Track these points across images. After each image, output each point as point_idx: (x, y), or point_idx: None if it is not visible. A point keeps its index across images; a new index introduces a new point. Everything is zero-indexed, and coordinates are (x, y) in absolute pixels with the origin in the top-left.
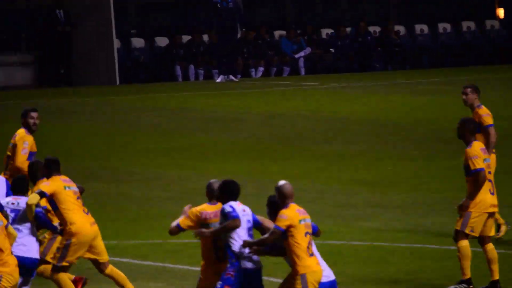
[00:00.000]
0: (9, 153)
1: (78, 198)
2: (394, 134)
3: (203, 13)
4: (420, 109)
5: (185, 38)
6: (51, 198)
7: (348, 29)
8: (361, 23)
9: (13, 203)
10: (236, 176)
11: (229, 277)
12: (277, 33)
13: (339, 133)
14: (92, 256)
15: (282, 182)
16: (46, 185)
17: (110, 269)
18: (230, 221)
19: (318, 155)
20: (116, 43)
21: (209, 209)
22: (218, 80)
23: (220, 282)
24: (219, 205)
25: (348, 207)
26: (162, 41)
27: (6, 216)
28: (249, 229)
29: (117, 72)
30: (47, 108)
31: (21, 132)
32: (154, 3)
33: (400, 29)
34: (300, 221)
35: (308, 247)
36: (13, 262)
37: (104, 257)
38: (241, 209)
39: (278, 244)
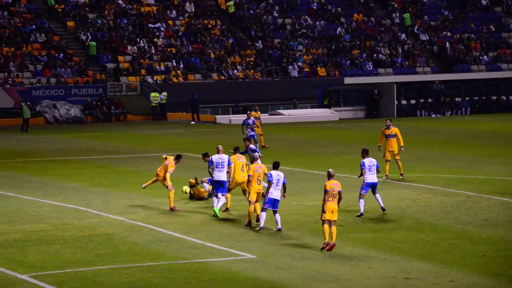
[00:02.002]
0: None
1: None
2: None
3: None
4: None
5: None
6: None
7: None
8: None
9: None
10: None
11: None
12: None
13: None
14: None
15: (331, 170)
16: None
17: None
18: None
19: None
20: (396, 102)
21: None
22: (434, 116)
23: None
24: None
25: None
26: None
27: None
28: (277, 183)
29: (395, 110)
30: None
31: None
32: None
33: None
34: (329, 188)
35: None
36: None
37: None
38: (276, 174)
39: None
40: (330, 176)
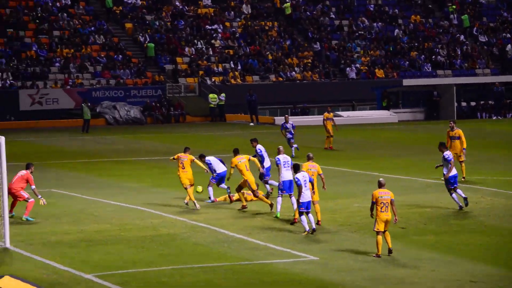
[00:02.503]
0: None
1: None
2: None
3: None
4: None
5: None
6: None
7: None
8: None
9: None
10: None
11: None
12: None
13: None
14: None
15: (381, 179)
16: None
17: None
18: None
19: None
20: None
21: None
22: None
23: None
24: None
25: None
26: None
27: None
28: (305, 184)
29: (455, 112)
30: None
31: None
32: None
33: None
34: (374, 199)
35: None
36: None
37: None
38: (302, 176)
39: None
40: (380, 185)
